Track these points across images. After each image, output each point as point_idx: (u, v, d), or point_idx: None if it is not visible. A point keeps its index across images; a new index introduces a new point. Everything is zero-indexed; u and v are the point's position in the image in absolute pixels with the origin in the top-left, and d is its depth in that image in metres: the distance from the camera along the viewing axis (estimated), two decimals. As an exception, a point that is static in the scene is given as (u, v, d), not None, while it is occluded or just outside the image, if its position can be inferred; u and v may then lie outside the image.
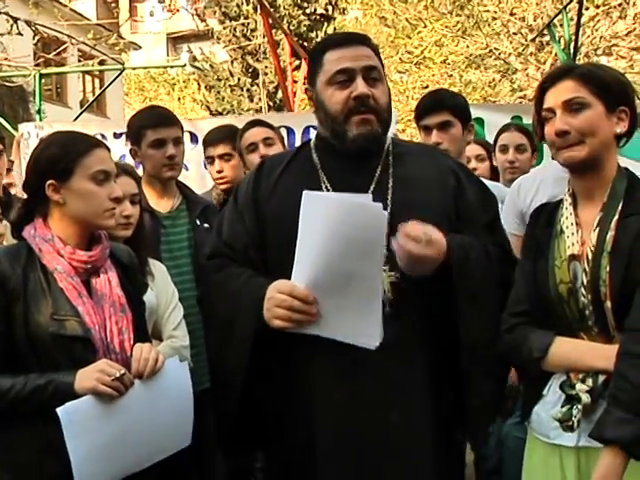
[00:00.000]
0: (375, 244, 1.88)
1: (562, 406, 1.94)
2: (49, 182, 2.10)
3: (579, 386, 1.92)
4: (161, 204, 3.15)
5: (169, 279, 2.88)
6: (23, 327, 2.01)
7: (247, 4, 19.12)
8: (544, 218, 2.14)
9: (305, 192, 1.98)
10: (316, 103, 2.25)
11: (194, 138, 5.54)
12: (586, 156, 1.98)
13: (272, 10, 15.34)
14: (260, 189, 2.32)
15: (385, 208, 2.06)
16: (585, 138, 1.97)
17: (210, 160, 3.91)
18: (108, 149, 2.21)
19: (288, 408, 2.20)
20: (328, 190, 2.19)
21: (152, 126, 3.07)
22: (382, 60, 2.31)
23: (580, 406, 1.90)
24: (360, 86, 2.16)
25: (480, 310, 2.08)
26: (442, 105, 3.18)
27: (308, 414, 2.14)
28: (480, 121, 5.94)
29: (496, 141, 4.20)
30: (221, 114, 19.15)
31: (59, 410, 1.94)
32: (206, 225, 3.17)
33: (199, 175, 5.27)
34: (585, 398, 1.90)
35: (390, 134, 2.32)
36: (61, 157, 2.11)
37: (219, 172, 3.84)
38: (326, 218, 1.94)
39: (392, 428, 2.07)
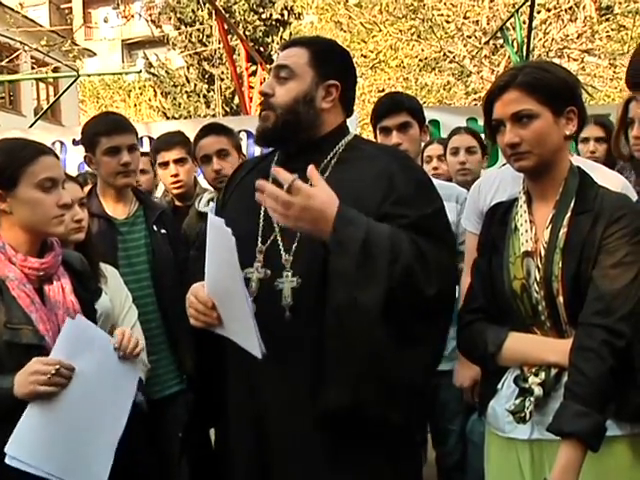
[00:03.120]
0: (232, 265, 1.89)
1: (515, 398, 1.97)
2: None
3: (532, 379, 1.94)
4: (117, 210, 3.13)
5: (121, 282, 2.88)
6: None
7: (202, 10, 19.06)
8: (499, 216, 2.17)
9: (211, 204, 2.02)
10: None
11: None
12: (535, 165, 2.01)
13: (228, 15, 15.30)
14: (228, 190, 2.37)
15: None
16: (534, 149, 1.99)
17: (164, 165, 3.85)
18: (56, 156, 2.19)
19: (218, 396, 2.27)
20: None
21: (106, 133, 3.04)
22: (335, 60, 2.25)
23: (532, 398, 1.93)
24: (263, 84, 2.20)
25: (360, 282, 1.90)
26: (401, 106, 3.20)
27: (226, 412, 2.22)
28: (436, 123, 6.01)
29: (447, 144, 4.26)
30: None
31: (8, 461, 1.92)
32: (163, 231, 3.16)
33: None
34: (537, 391, 1.92)
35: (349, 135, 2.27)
36: (6, 166, 2.07)
37: (175, 176, 3.80)
38: (210, 234, 2.01)
39: (280, 432, 2.07)
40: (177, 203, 3.93)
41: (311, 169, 1.93)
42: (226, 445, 2.24)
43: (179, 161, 3.81)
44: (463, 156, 4.08)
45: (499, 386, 2.07)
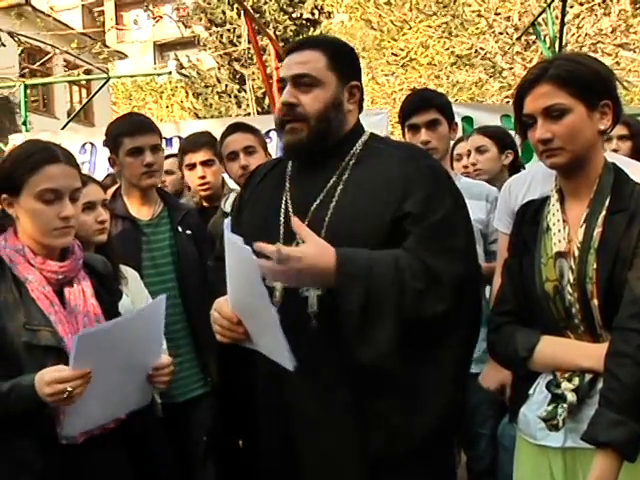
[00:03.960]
0: (254, 282, 1.87)
1: (548, 405, 1.90)
2: (3, 196, 2.08)
3: (565, 385, 1.88)
4: (142, 212, 3.11)
5: (142, 284, 2.87)
6: None
7: (232, 10, 19.10)
8: (530, 215, 2.10)
9: (226, 221, 2.01)
10: None
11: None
12: (568, 161, 1.94)
13: (258, 15, 15.32)
14: (244, 196, 2.35)
15: (324, 217, 2.07)
16: (566, 145, 1.92)
17: (191, 166, 3.82)
18: (71, 164, 2.12)
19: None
20: (287, 198, 2.17)
21: (129, 134, 3.02)
22: (351, 59, 2.24)
23: (565, 405, 1.86)
24: (284, 95, 2.15)
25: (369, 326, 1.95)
26: (430, 103, 3.17)
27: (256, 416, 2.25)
28: (469, 120, 5.95)
29: None
30: (209, 121, 19.12)
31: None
32: (188, 232, 3.14)
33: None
34: (571, 397, 1.86)
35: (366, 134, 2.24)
36: (11, 173, 2.07)
37: (202, 178, 3.77)
38: (229, 251, 1.98)
39: (310, 435, 2.08)
40: (205, 204, 3.92)
41: (295, 221, 1.96)
42: (254, 449, 2.26)
43: (206, 163, 3.78)
44: (473, 157, 4.03)
45: (530, 391, 2.00)
